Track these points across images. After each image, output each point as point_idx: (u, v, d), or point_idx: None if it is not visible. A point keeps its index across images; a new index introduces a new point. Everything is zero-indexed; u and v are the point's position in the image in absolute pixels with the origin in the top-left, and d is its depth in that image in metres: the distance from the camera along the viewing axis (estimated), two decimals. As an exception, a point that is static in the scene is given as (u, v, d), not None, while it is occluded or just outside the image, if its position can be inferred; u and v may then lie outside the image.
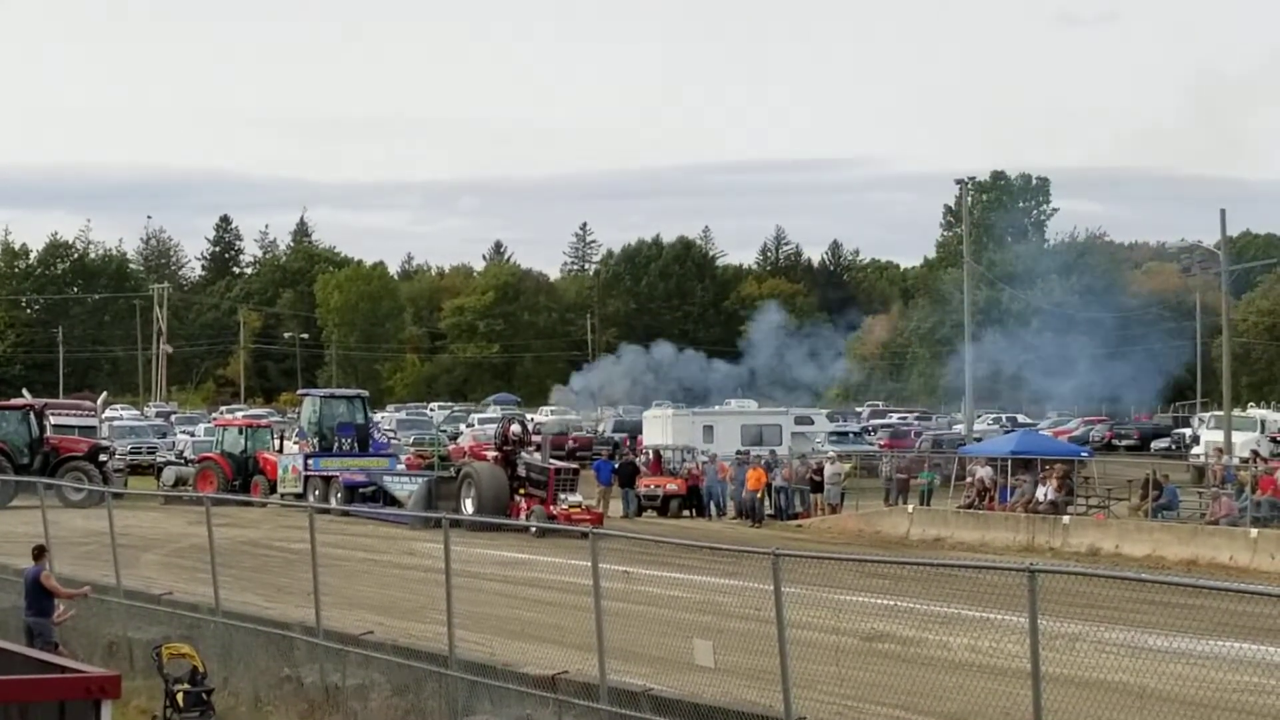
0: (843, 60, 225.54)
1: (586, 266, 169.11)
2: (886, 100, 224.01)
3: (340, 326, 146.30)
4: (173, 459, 64.38)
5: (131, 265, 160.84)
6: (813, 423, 72.52)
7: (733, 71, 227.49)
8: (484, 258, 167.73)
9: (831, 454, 57.94)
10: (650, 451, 58.59)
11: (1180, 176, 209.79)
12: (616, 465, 56.00)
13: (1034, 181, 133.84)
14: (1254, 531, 39.00)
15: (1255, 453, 51.15)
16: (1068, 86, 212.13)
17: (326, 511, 42.10)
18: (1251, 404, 77.17)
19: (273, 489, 51.33)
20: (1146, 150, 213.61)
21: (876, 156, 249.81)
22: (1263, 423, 66.93)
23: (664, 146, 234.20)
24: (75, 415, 62.28)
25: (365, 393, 58.58)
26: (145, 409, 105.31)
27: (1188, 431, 77.99)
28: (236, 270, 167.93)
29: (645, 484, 53.71)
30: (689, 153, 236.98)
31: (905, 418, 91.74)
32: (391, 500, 47.56)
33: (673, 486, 53.69)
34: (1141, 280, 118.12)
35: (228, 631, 24.38)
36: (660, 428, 68.13)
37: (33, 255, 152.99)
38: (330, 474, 49.81)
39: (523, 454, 45.36)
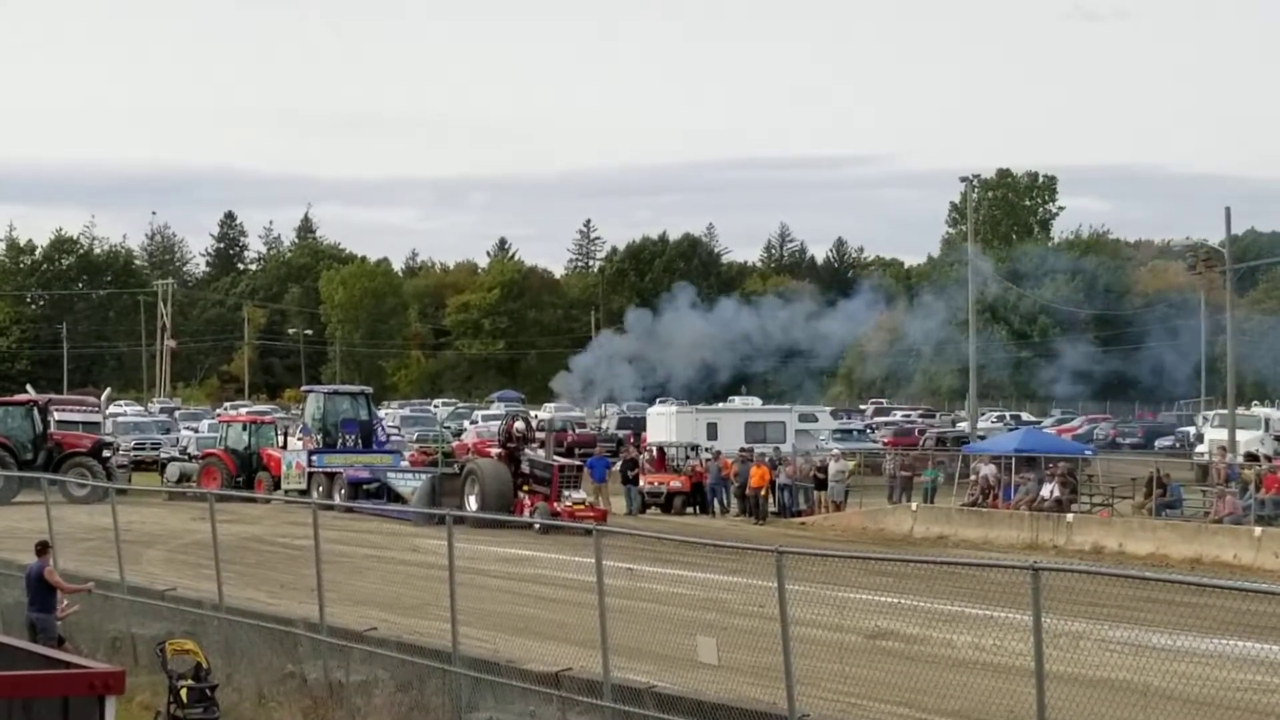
0: (849, 56, 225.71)
1: (591, 263, 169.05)
2: (893, 97, 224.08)
3: (344, 323, 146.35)
4: (177, 455, 64.45)
5: (136, 261, 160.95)
6: (817, 420, 72.53)
7: (737, 68, 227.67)
8: (488, 254, 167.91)
9: (835, 451, 57.95)
10: (654, 448, 58.55)
11: (1186, 174, 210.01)
12: (620, 462, 55.92)
13: (1040, 179, 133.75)
14: (1258, 530, 38.94)
15: (1251, 454, 51.05)
16: (1077, 83, 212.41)
17: (330, 508, 42.10)
18: (1255, 402, 76.99)
19: (277, 485, 51.34)
20: (1153, 148, 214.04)
21: (882, 154, 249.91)
22: (1267, 421, 66.78)
23: (669, 143, 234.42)
24: (79, 411, 62.22)
25: (369, 389, 58.69)
26: (149, 405, 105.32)
27: (1192, 430, 77.93)
28: (241, 266, 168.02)
29: (649, 481, 53.69)
30: (694, 150, 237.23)
31: (909, 415, 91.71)
32: (395, 497, 47.58)
33: (676, 483, 53.67)
34: (1146, 278, 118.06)
35: (231, 628, 24.38)
36: (664, 425, 68.12)
37: (38, 251, 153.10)
38: (334, 470, 49.81)
39: (527, 451, 45.37)
